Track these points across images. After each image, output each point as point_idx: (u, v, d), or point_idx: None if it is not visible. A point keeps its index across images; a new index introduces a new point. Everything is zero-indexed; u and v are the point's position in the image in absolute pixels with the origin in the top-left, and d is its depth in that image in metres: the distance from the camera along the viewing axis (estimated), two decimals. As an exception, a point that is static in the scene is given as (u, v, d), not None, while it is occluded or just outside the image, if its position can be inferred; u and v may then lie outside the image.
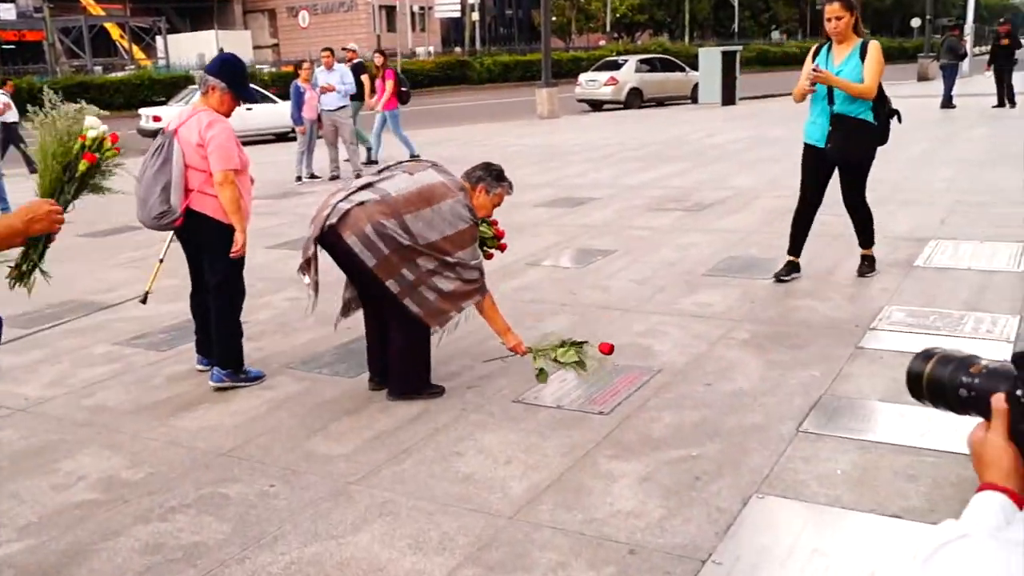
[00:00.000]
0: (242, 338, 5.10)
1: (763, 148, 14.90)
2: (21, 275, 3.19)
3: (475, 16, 55.75)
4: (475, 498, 3.58)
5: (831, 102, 6.05)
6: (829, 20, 6.01)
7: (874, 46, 5.91)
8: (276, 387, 5.03)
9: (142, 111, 21.68)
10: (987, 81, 21.36)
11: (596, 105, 28.22)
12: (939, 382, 1.25)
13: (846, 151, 6.11)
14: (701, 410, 4.31)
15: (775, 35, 78.11)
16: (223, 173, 4.78)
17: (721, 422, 4.14)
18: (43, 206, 2.48)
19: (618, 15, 69.26)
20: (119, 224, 10.07)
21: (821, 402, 4.29)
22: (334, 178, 13.50)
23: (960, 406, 1.24)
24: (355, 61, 15.14)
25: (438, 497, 3.61)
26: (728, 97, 25.65)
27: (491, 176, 4.78)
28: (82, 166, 3.65)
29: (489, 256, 5.22)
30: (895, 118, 6.17)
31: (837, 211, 8.97)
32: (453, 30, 71.74)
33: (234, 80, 4.89)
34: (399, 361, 4.66)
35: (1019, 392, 1.15)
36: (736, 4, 70.73)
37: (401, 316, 4.56)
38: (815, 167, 6.31)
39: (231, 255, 4.88)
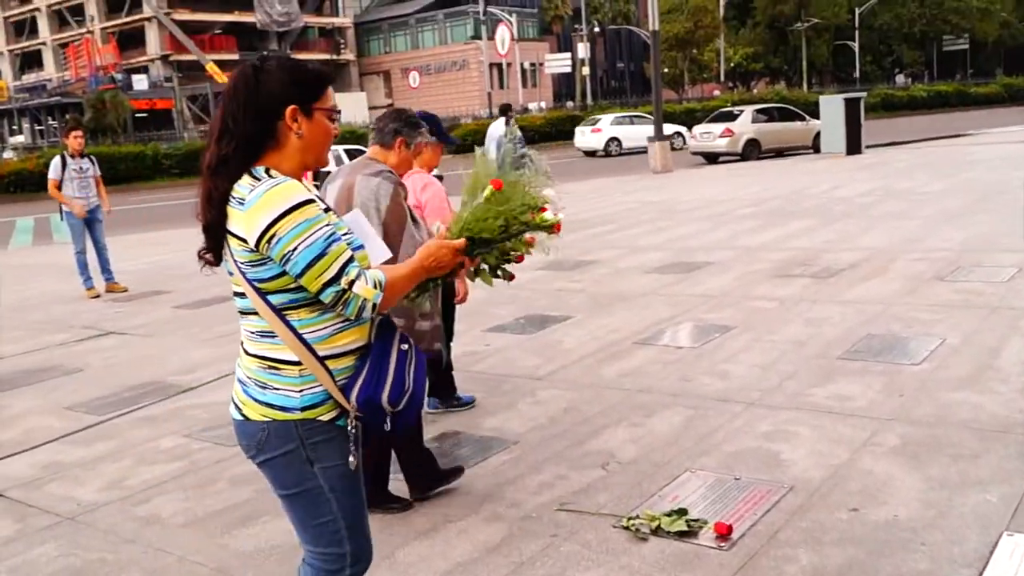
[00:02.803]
0: (452, 369, 5.48)
1: (894, 201, 13.78)
2: (415, 297, 2.60)
3: (585, 71, 55.72)
4: (562, 672, 2.85)
5: None
6: None
7: None
8: (345, 497, 4.42)
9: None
10: None
11: (711, 158, 27.34)
12: None
13: None
14: (847, 547, 3.47)
15: (900, 79, 75.44)
16: None
17: (875, 568, 3.30)
18: (447, 253, 2.43)
19: (732, 64, 68.31)
20: (216, 295, 9.80)
21: (1004, 542, 3.40)
22: None
23: None
24: None
25: (515, 668, 2.90)
26: (853, 146, 24.37)
27: (406, 125, 4.04)
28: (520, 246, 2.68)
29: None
30: None
31: (990, 276, 7.91)
32: (564, 85, 72.03)
33: (439, 131, 4.97)
34: (404, 461, 4.22)
35: None
36: (857, 48, 68.73)
37: None
38: None
39: (456, 302, 5.22)
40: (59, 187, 10.52)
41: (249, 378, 2.35)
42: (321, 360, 2.28)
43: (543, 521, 3.94)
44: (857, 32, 68.95)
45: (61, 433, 5.71)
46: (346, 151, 24.71)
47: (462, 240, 2.46)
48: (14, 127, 65.44)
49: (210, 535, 4.10)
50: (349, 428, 2.33)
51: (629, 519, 3.82)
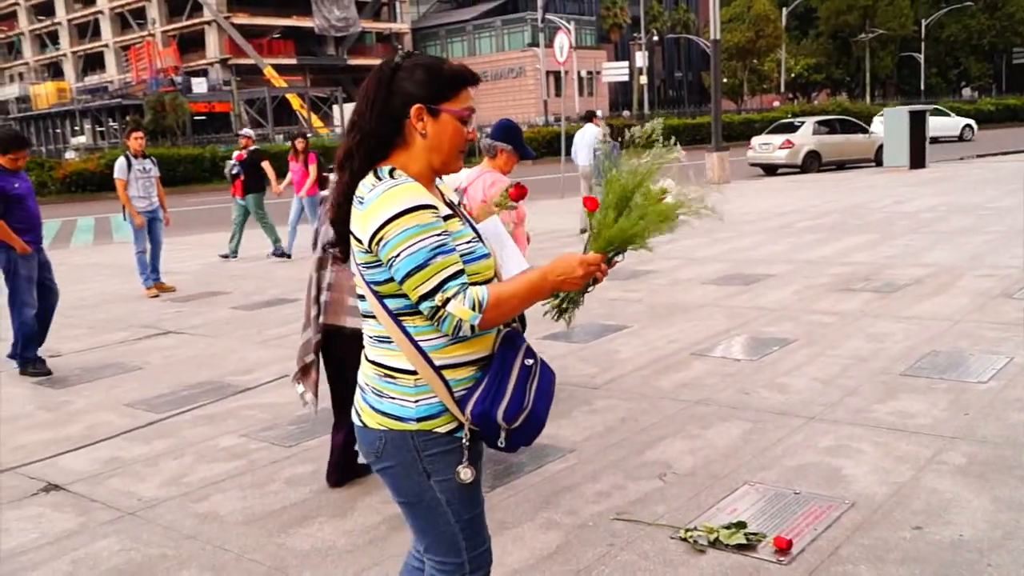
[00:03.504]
0: None
1: (960, 217, 13.49)
2: (560, 310, 2.62)
3: (643, 80, 55.49)
4: None
5: None
6: None
7: None
8: (400, 500, 4.43)
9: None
10: None
11: (770, 169, 27.04)
12: None
13: None
14: (911, 566, 3.39)
15: (966, 92, 73.91)
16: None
17: (940, 590, 3.22)
18: (577, 269, 2.22)
19: (793, 75, 67.62)
20: (273, 296, 9.95)
21: (1077, 568, 3.29)
22: None
23: None
24: (252, 148, 14.20)
25: (571, 678, 2.87)
26: (917, 160, 23.91)
27: None
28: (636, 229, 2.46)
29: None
30: None
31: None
32: (621, 94, 71.90)
33: (519, 144, 5.36)
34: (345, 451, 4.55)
35: None
36: (922, 60, 67.56)
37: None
38: None
39: None
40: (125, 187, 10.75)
41: (367, 385, 2.29)
42: (437, 369, 2.19)
43: (599, 530, 3.91)
44: (923, 44, 67.78)
45: (122, 429, 5.81)
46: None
47: (597, 255, 2.28)
48: (76, 128, 67.06)
49: (268, 534, 4.14)
50: (464, 441, 2.22)
51: (687, 531, 3.77)
